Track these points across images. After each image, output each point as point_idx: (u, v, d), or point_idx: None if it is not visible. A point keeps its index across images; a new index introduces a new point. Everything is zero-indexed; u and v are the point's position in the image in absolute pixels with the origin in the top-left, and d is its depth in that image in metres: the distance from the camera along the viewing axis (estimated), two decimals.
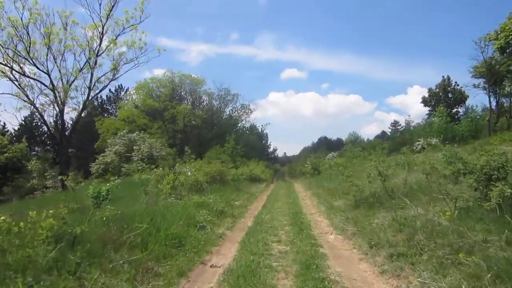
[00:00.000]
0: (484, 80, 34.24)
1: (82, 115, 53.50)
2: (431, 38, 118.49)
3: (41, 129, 54.14)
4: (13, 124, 62.36)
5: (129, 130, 32.38)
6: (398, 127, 68.83)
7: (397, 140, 43.12)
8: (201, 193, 14.38)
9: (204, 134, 46.13)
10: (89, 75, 19.89)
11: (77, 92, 20.06)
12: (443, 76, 41.53)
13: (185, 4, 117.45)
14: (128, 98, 46.56)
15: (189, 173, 17.03)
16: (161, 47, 20.07)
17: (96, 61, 19.81)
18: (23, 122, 53.00)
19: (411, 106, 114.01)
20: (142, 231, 6.75)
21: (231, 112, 51.24)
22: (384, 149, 36.70)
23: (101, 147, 34.60)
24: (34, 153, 52.91)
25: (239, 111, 51.26)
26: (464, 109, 40.11)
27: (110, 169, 28.75)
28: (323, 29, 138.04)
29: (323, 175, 24.47)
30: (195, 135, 45.50)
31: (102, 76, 20.28)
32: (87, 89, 20.02)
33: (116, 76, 20.64)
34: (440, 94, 41.00)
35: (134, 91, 44.29)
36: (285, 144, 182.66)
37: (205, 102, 50.31)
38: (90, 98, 20.44)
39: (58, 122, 22.94)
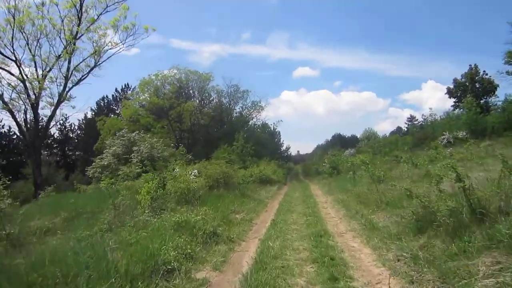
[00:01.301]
0: None
1: (89, 115, 51.09)
2: (447, 32, 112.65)
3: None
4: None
5: (129, 130, 28.97)
6: (415, 122, 64.17)
7: (417, 135, 38.99)
8: (192, 205, 10.76)
9: (212, 133, 42.36)
10: (66, 62, 16.28)
11: (53, 83, 16.44)
12: (470, 65, 37.06)
13: (196, 5, 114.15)
14: (132, 97, 42.94)
15: (178, 175, 13.27)
16: (149, 26, 16.05)
17: (74, 45, 16.10)
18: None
19: (426, 102, 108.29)
20: None
21: (241, 109, 47.33)
22: (407, 144, 32.72)
23: (100, 148, 31.22)
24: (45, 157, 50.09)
25: (249, 109, 47.23)
26: (494, 99, 35.61)
27: (107, 173, 25.47)
28: (335, 27, 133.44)
29: (344, 175, 20.51)
30: (203, 134, 41.80)
31: (81, 62, 16.56)
32: (64, 79, 16.38)
33: (99, 62, 16.88)
34: (467, 84, 36.53)
35: (138, 89, 40.74)
36: (298, 142, 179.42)
37: (214, 100, 46.59)
38: (67, 89, 16.73)
39: (30, 118, 18.74)
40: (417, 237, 5.72)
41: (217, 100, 46.26)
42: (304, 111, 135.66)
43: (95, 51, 16.31)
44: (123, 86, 50.90)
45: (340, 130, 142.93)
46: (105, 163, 25.68)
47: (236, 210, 11.51)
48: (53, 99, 15.97)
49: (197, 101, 43.27)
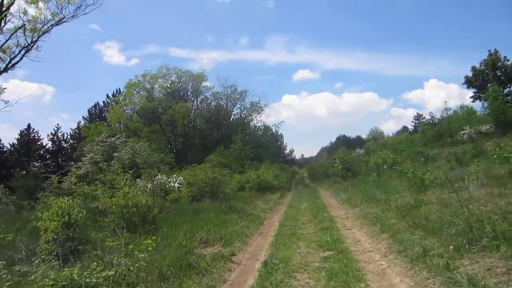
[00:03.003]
0: None
1: (82, 124, 46.72)
2: (447, 30, 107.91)
3: (38, 143, 47.26)
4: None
5: (109, 135, 24.85)
6: (423, 120, 59.63)
7: (431, 132, 34.41)
8: (140, 232, 6.35)
9: (209, 137, 37.78)
10: None
11: None
12: (489, 51, 32.31)
13: (193, 12, 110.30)
14: (124, 100, 38.39)
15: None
16: None
17: (1, 21, 11.85)
18: (19, 137, 46.21)
19: (429, 100, 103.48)
20: None
21: (240, 111, 42.50)
22: (428, 140, 28.37)
23: (80, 156, 26.94)
24: (33, 168, 46.01)
25: (248, 110, 42.26)
26: None
27: (84, 183, 21.26)
28: (333, 28, 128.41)
29: (363, 179, 15.79)
30: (199, 138, 37.23)
31: (8, 40, 12.24)
32: None
33: (34, 40, 12.54)
34: (488, 71, 31.86)
35: (125, 92, 36.23)
36: (301, 146, 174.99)
37: (212, 104, 41.90)
38: None
39: None
40: None
41: (215, 103, 41.75)
42: (306, 114, 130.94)
43: (24, 25, 12.02)
44: (114, 92, 46.66)
45: (343, 131, 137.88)
46: (82, 172, 21.56)
47: (209, 238, 6.93)
48: None
49: (192, 103, 38.85)
